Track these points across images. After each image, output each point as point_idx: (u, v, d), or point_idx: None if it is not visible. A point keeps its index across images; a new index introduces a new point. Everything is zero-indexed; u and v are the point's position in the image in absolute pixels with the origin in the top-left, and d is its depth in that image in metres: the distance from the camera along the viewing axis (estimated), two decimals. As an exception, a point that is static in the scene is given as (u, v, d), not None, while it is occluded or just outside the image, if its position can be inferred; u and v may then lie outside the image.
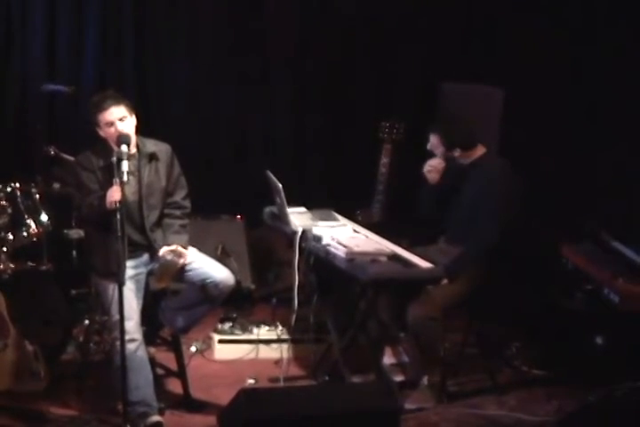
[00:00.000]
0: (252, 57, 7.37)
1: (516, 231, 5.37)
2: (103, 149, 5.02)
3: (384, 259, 5.13)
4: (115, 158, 4.83)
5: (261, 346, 6.02)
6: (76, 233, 6.06)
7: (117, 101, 4.96)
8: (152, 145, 5.13)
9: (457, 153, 5.46)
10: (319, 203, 5.94)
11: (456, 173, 5.51)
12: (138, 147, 5.06)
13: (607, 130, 6.55)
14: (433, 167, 5.56)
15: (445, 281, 5.23)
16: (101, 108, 4.94)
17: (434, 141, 5.51)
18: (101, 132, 5.01)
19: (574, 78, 6.83)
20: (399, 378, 5.49)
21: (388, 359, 5.65)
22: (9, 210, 5.60)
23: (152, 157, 5.10)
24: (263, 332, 6.08)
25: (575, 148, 6.70)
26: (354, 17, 7.35)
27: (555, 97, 6.85)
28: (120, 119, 4.94)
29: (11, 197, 5.62)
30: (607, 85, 6.58)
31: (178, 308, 5.20)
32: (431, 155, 5.59)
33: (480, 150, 5.50)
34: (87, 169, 5.03)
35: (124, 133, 4.92)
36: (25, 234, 5.65)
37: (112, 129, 4.94)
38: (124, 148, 4.86)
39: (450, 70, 7.01)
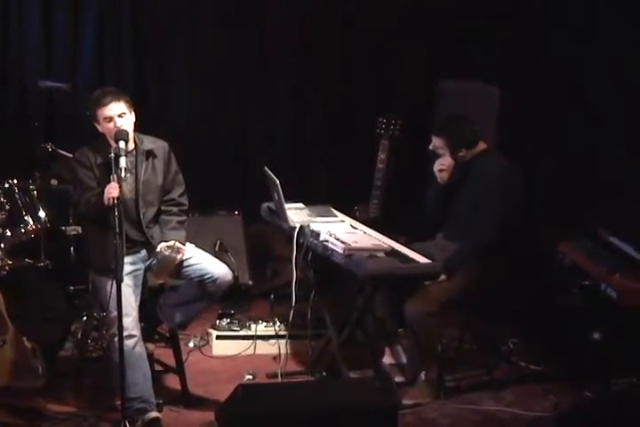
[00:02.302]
0: (252, 55, 7.37)
1: (515, 228, 5.38)
2: (101, 146, 5.02)
3: (382, 255, 5.13)
4: (112, 155, 4.84)
5: (259, 342, 6.03)
6: (73, 230, 6.05)
7: (118, 98, 4.97)
8: (149, 142, 5.13)
9: (462, 153, 5.47)
10: (317, 199, 5.95)
11: (462, 171, 5.50)
12: (135, 144, 5.07)
13: (605, 128, 6.55)
14: (445, 167, 5.54)
15: (443, 277, 5.24)
16: (101, 103, 4.95)
17: (438, 144, 5.50)
18: (99, 128, 5.01)
19: (573, 76, 6.82)
20: (398, 379, 5.48)
21: (386, 360, 5.66)
22: (7, 206, 5.59)
23: (149, 155, 5.10)
24: (261, 328, 6.08)
25: (573, 145, 6.70)
26: (353, 15, 7.35)
27: (553, 95, 6.84)
28: (119, 115, 4.95)
29: (8, 194, 5.62)
30: (606, 84, 6.57)
31: (176, 304, 5.20)
32: (434, 155, 5.58)
33: (480, 147, 5.51)
34: (84, 166, 5.03)
35: (122, 130, 4.92)
36: (23, 230, 5.64)
37: (110, 125, 4.94)
38: (121, 144, 4.86)
39: (447, 68, 7.01)
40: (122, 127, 4.93)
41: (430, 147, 5.56)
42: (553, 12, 6.89)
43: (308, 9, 7.33)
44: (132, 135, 5.01)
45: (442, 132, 5.49)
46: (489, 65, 6.94)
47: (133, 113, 5.02)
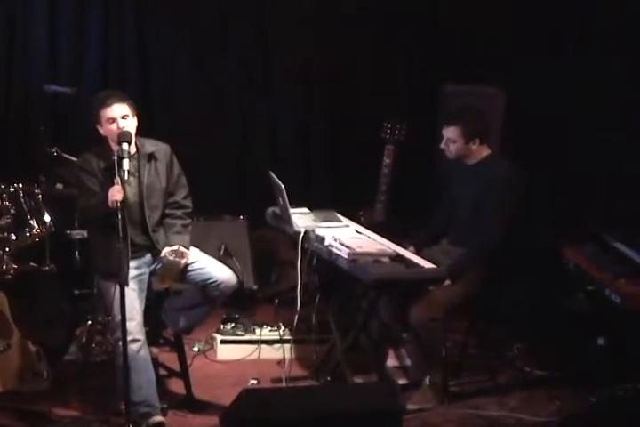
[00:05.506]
0: (255, 58, 7.38)
1: (518, 232, 5.37)
2: (103, 151, 5.02)
3: (386, 260, 5.13)
4: (115, 157, 4.84)
5: (264, 346, 6.02)
6: (78, 234, 6.07)
7: (122, 99, 4.98)
8: (151, 145, 5.13)
9: (475, 145, 5.41)
10: (322, 203, 5.95)
11: (466, 176, 5.48)
12: (137, 147, 5.07)
13: (609, 131, 6.55)
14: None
15: (448, 282, 5.23)
16: (105, 104, 4.95)
17: (452, 135, 5.40)
18: (102, 130, 5.01)
19: (576, 80, 6.83)
20: (402, 381, 5.49)
21: (390, 362, 5.66)
22: (12, 210, 5.60)
23: (151, 158, 5.10)
24: (265, 332, 6.08)
25: (577, 149, 6.71)
26: (356, 17, 7.36)
27: (557, 98, 6.85)
28: (122, 117, 4.95)
29: (14, 198, 5.62)
30: (609, 86, 6.58)
31: (180, 308, 5.20)
32: (441, 155, 5.56)
33: (486, 151, 5.48)
34: (88, 171, 5.03)
35: (126, 131, 4.92)
36: (28, 234, 5.64)
37: (113, 126, 4.94)
38: (124, 146, 4.87)
39: (452, 72, 7.01)
40: (125, 129, 4.93)
41: (442, 145, 5.49)
42: (555, 14, 6.90)
43: (311, 11, 7.34)
44: (133, 139, 5.01)
45: (456, 121, 5.40)
46: (491, 67, 6.96)
47: (136, 117, 5.03)
